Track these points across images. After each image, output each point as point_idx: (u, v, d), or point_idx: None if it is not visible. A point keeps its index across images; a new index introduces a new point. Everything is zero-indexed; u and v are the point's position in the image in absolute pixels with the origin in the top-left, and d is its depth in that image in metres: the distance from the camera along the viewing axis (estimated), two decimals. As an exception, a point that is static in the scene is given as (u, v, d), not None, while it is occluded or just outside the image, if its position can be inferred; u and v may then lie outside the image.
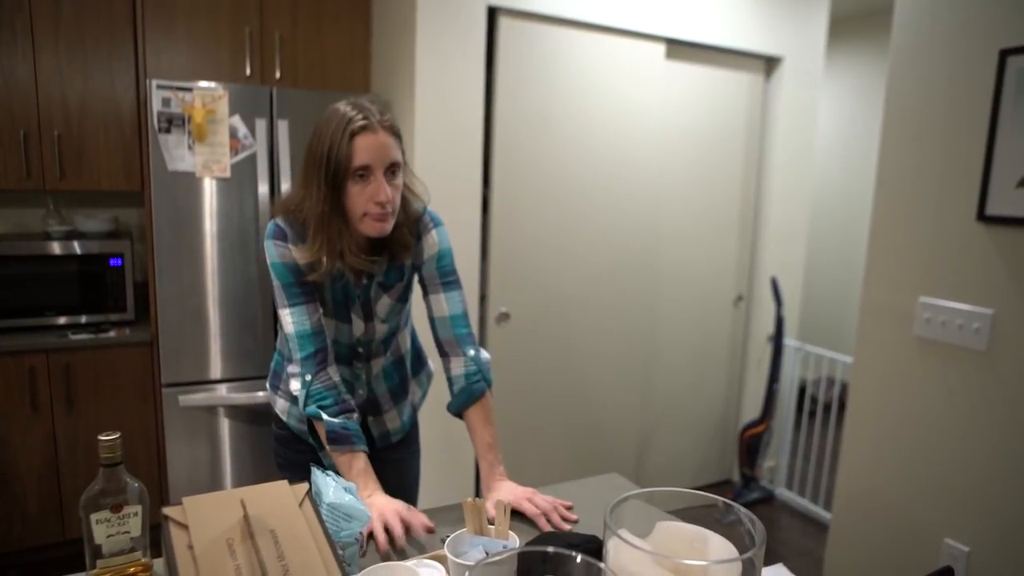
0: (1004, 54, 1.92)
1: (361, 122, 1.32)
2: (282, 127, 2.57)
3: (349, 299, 1.48)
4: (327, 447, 1.36)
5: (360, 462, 1.34)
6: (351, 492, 1.11)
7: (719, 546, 0.72)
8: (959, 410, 2.05)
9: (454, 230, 2.66)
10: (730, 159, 3.43)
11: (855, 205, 4.82)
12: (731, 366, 3.65)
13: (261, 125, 2.54)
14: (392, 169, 1.36)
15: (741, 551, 0.70)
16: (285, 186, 2.59)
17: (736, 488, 3.58)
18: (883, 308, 2.25)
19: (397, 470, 1.70)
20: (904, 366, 2.19)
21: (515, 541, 0.91)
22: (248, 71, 2.70)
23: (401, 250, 1.48)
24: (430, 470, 2.78)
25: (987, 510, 2.00)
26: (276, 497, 0.91)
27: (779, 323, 3.39)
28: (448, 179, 2.63)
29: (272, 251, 1.41)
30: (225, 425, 2.68)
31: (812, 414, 4.09)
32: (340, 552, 1.06)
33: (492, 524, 1.05)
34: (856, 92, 4.88)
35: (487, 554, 0.88)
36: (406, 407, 1.70)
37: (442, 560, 1.05)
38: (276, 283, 1.43)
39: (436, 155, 2.59)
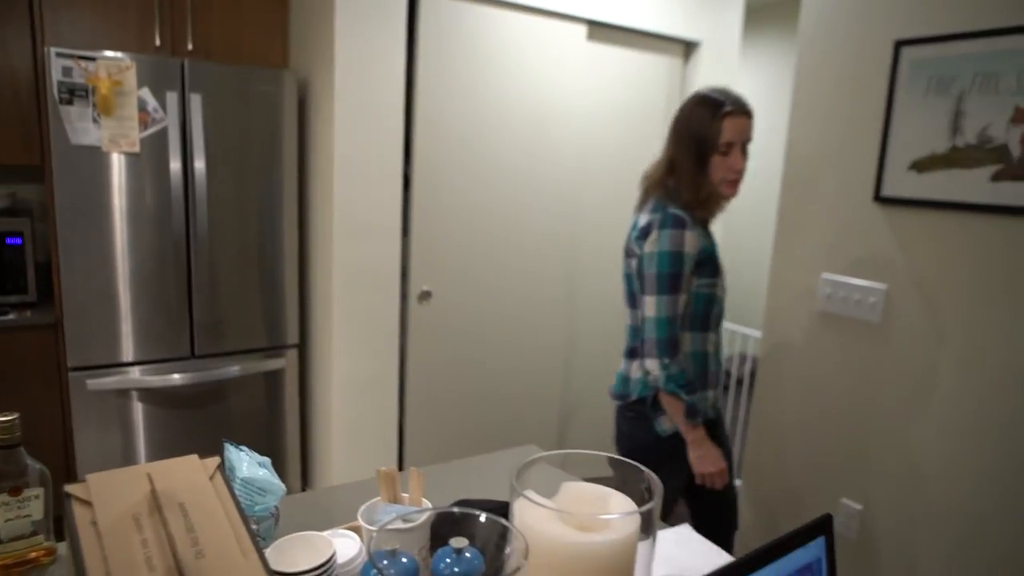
0: (899, 45, 2.03)
1: (730, 107, 1.68)
2: (195, 101, 2.48)
3: (716, 255, 1.78)
4: (688, 419, 1.73)
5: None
6: (265, 467, 1.11)
7: (620, 502, 0.75)
8: (856, 379, 2.18)
9: (375, 208, 2.65)
10: (649, 141, 3.50)
11: (769, 188, 5.00)
12: (650, 343, 3.75)
13: (172, 99, 2.45)
14: (746, 145, 1.73)
15: (640, 506, 0.74)
16: (200, 163, 2.51)
17: (654, 461, 3.70)
18: (789, 285, 2.36)
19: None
20: (807, 339, 2.31)
21: (428, 508, 0.93)
22: (158, 41, 2.59)
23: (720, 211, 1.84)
24: (349, 445, 2.77)
25: (878, 471, 2.14)
26: (185, 471, 0.90)
27: (695, 301, 3.50)
28: (369, 156, 2.60)
29: (668, 240, 1.68)
30: (139, 409, 2.59)
31: (726, 388, 4.25)
32: (254, 527, 1.06)
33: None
34: (771, 78, 5.05)
35: (403, 522, 0.90)
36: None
37: (357, 530, 1.06)
38: (660, 271, 1.68)
39: (356, 132, 2.56)
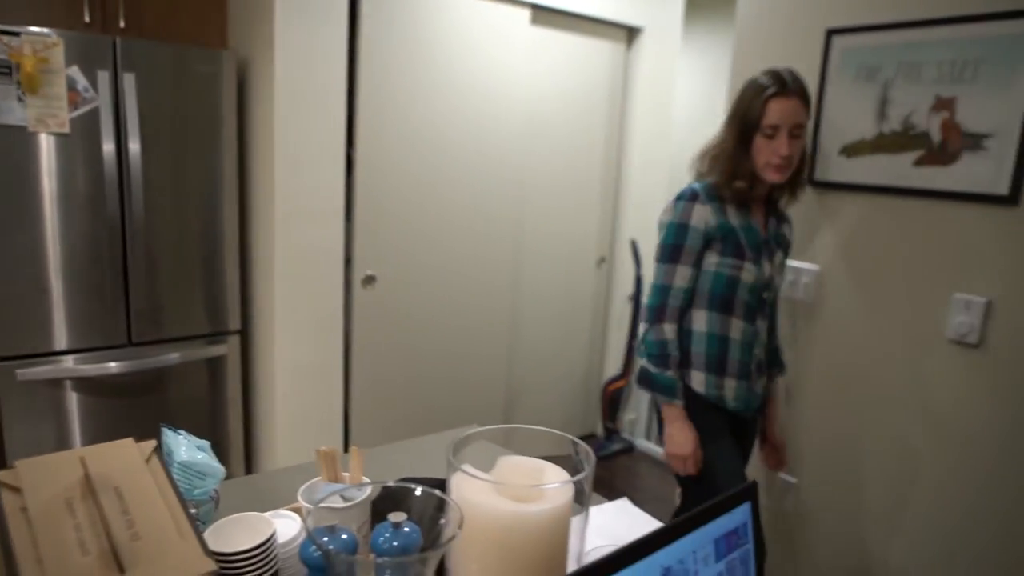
0: (830, 33, 2.09)
1: (775, 88, 1.65)
2: (128, 80, 2.41)
3: (758, 241, 1.76)
4: (660, 394, 1.77)
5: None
6: (204, 450, 1.10)
7: (555, 473, 0.78)
8: (792, 356, 2.26)
9: (317, 192, 2.62)
10: (593, 126, 3.54)
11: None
12: (594, 324, 3.81)
13: (104, 78, 2.37)
14: (796, 129, 1.68)
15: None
16: (134, 145, 2.44)
17: (599, 441, 3.77)
18: (727, 267, 2.42)
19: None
20: (744, 320, 2.38)
21: (368, 486, 0.94)
22: (87, 18, 2.50)
23: (778, 196, 1.86)
24: (293, 431, 2.75)
25: (811, 445, 2.23)
26: (120, 455, 0.89)
27: (638, 283, 3.57)
28: (310, 139, 2.57)
29: (677, 212, 1.73)
30: (73, 399, 2.52)
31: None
32: (193, 510, 1.06)
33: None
34: (712, 64, 5.12)
35: (343, 500, 0.91)
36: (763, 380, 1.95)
37: (300, 512, 1.07)
38: (664, 242, 1.74)
39: (297, 114, 2.53)
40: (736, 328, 1.77)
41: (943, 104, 1.87)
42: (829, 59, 2.10)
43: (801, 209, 2.19)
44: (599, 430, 3.90)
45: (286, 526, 1.00)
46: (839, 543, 2.19)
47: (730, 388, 1.80)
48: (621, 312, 3.81)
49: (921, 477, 1.99)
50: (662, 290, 1.73)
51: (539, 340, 3.59)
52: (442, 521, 0.66)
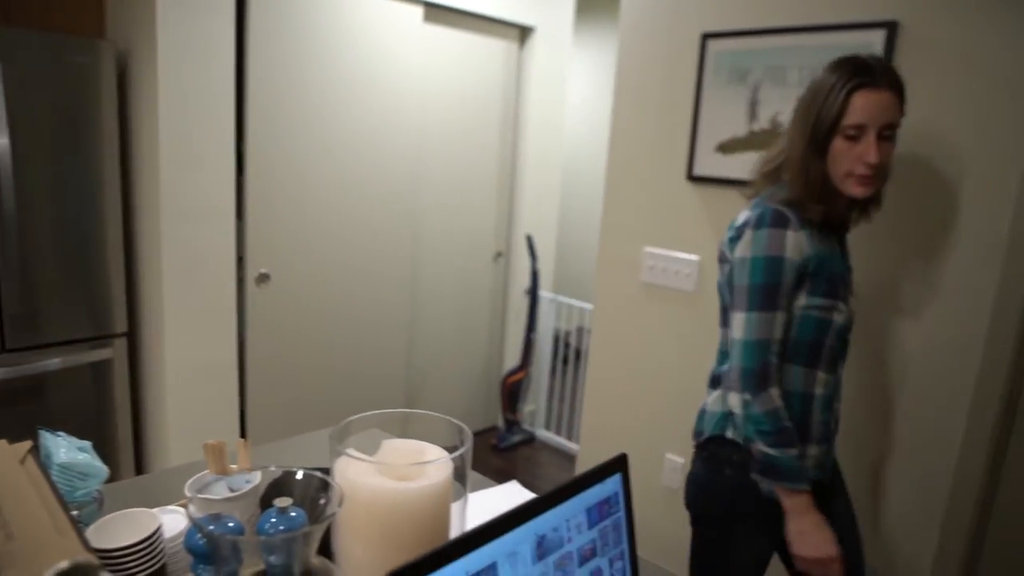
0: (705, 37, 2.22)
1: (863, 78, 1.28)
2: (-5, 71, 2.28)
3: (843, 272, 1.40)
4: (779, 480, 1.33)
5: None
6: (86, 451, 1.08)
7: (435, 453, 0.82)
8: (675, 343, 2.38)
9: (205, 189, 2.55)
10: (488, 123, 3.59)
11: (602, 167, 5.26)
12: (492, 318, 3.88)
13: (-33, 68, 2.23)
14: (887, 130, 1.31)
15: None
16: (3, 139, 2.31)
17: (500, 433, 3.84)
18: (616, 258, 2.53)
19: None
20: (633, 308, 2.49)
21: (257, 476, 0.95)
22: (-53, 4, 2.35)
23: (860, 215, 1.47)
24: (187, 433, 2.68)
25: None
26: (-7, 457, 0.86)
27: (534, 277, 3.66)
28: (197, 135, 2.50)
29: (764, 242, 1.30)
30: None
31: (567, 360, 4.46)
32: (75, 512, 1.04)
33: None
34: (603, 63, 5.29)
35: (231, 491, 0.92)
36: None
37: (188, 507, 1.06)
38: (752, 282, 1.31)
39: (183, 110, 2.46)
40: (820, 382, 1.40)
41: (805, 105, 2.02)
42: (705, 62, 2.22)
43: (679, 202, 2.31)
44: (500, 422, 3.97)
45: (174, 521, 1.00)
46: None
47: (812, 456, 1.42)
48: (519, 306, 3.89)
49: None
50: (760, 347, 1.31)
51: (438, 334, 3.62)
52: (323, 501, 0.69)
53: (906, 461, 1.93)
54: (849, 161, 1.31)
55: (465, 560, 0.68)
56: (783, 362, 1.36)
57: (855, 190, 1.33)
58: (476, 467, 0.97)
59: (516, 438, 3.82)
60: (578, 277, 5.23)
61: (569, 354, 4.08)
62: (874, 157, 1.28)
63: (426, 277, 3.50)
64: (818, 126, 1.32)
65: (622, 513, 0.91)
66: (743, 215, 1.38)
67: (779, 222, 1.30)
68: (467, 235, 3.63)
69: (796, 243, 1.30)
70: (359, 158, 3.05)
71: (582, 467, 2.74)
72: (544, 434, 3.94)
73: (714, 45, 2.20)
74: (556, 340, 4.21)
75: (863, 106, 1.28)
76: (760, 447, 1.32)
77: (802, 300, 1.33)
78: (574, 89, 5.35)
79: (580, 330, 4.73)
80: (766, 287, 1.30)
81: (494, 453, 3.71)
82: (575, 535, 0.82)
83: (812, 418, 1.39)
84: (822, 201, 1.34)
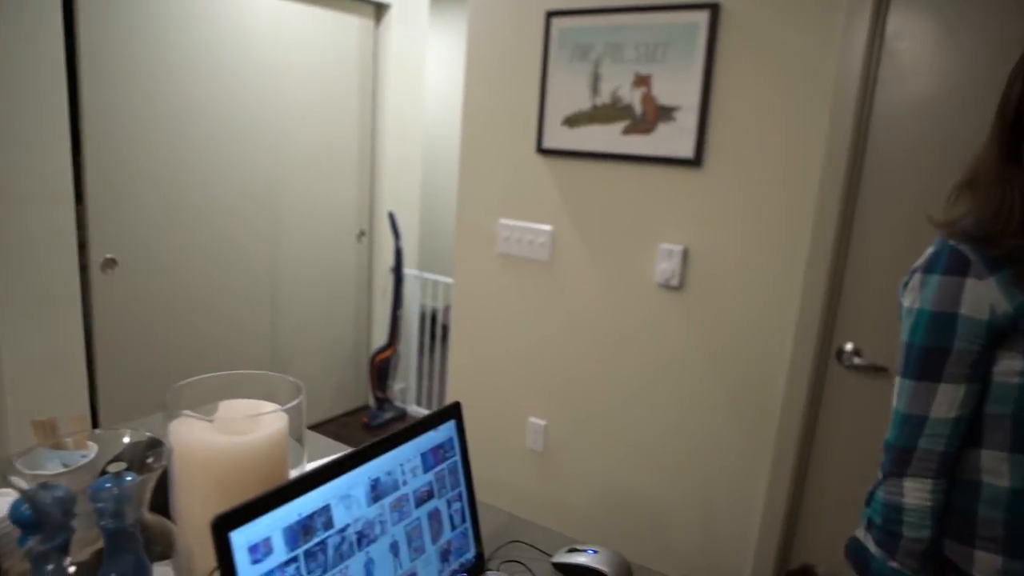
0: (549, 15, 2.30)
1: None
2: None
3: None
4: None
5: None
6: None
7: (270, 408, 0.84)
8: (533, 312, 2.48)
9: (38, 171, 2.39)
10: (345, 101, 3.55)
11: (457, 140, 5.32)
12: (358, 297, 3.86)
13: None
14: None
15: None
16: None
17: (371, 411, 3.85)
18: (473, 231, 2.59)
19: None
20: (491, 279, 2.57)
21: (93, 450, 0.93)
22: None
23: None
24: (27, 423, 2.53)
25: (554, 390, 2.48)
26: None
27: (398, 255, 3.67)
28: (22, 114, 2.34)
29: (933, 293, 0.97)
30: None
31: (435, 336, 4.51)
32: None
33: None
34: (461, 42, 5.32)
35: (65, 466, 0.90)
36: None
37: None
38: (912, 341, 1.00)
39: (4, 86, 2.28)
40: None
41: (641, 81, 2.15)
42: (550, 39, 2.31)
43: (530, 174, 2.40)
44: (371, 400, 3.97)
45: (4, 503, 0.97)
46: (586, 471, 2.47)
47: (1006, 574, 1.06)
48: (384, 284, 3.90)
49: (642, 405, 2.30)
50: (911, 424, 1.01)
51: (303, 315, 3.57)
52: (151, 459, 0.71)
53: (735, 410, 2.13)
54: None
55: (297, 503, 0.72)
56: (996, 448, 0.98)
57: None
58: (348, 445, 0.99)
59: (387, 415, 3.84)
60: (444, 253, 5.28)
61: (438, 331, 4.13)
62: None
63: (288, 258, 3.43)
64: (1019, 125, 0.94)
65: (458, 458, 0.97)
66: (928, 251, 1.02)
67: (955, 267, 0.95)
68: (329, 214, 3.59)
69: (979, 296, 0.94)
70: (210, 137, 2.95)
71: (449, 437, 2.80)
72: (415, 410, 3.98)
73: (558, 22, 2.29)
74: (423, 317, 4.25)
75: None
76: (870, 538, 1.04)
77: (1015, 364, 0.95)
78: (433, 67, 5.36)
79: (448, 309, 4.80)
80: (928, 352, 0.98)
81: (365, 431, 3.71)
82: (410, 478, 0.88)
83: (1016, 521, 0.98)
84: None
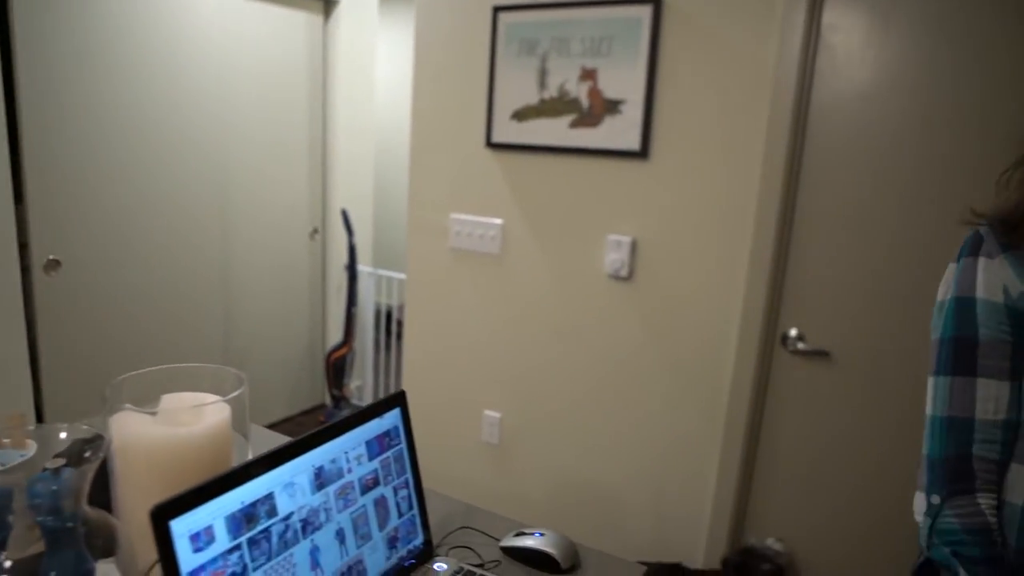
0: (496, 10, 2.31)
1: None
2: None
3: None
4: None
5: None
6: None
7: (212, 399, 0.85)
8: (485, 304, 2.50)
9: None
10: (295, 97, 3.52)
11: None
12: (312, 295, 3.83)
13: None
14: None
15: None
16: None
17: (328, 410, 3.82)
18: (424, 227, 2.60)
19: None
20: (443, 274, 2.58)
21: (33, 448, 0.92)
22: None
23: None
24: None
25: (508, 382, 2.50)
26: None
27: (352, 252, 3.65)
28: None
29: (955, 281, 0.90)
30: None
31: (390, 333, 4.50)
32: None
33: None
34: (411, 37, 5.30)
35: (1, 465, 0.89)
36: None
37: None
38: (942, 335, 0.90)
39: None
40: None
41: (588, 74, 2.18)
42: (497, 33, 2.33)
43: (480, 168, 2.42)
44: (327, 399, 3.95)
45: (-61, 507, 0.95)
46: (542, 461, 2.49)
47: None
48: (339, 281, 3.87)
49: (596, 394, 2.34)
50: (955, 429, 0.88)
51: (257, 314, 3.53)
52: (88, 453, 0.70)
53: (689, 388, 2.17)
54: None
55: (240, 491, 0.72)
56: (1010, 460, 0.86)
57: None
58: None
59: (344, 413, 3.81)
60: (399, 249, 5.27)
61: (393, 327, 4.12)
62: None
63: (240, 257, 3.39)
64: None
65: (403, 445, 0.98)
66: None
67: (972, 248, 0.90)
68: (281, 212, 3.55)
69: (992, 275, 0.87)
70: (156, 135, 2.89)
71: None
72: (373, 407, 3.96)
73: (505, 17, 2.30)
74: (378, 314, 4.23)
75: None
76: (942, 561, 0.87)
77: None
78: (385, 63, 5.32)
79: (404, 306, 4.78)
80: (957, 341, 0.89)
81: (322, 430, 3.68)
82: (355, 466, 0.89)
83: None
84: None
